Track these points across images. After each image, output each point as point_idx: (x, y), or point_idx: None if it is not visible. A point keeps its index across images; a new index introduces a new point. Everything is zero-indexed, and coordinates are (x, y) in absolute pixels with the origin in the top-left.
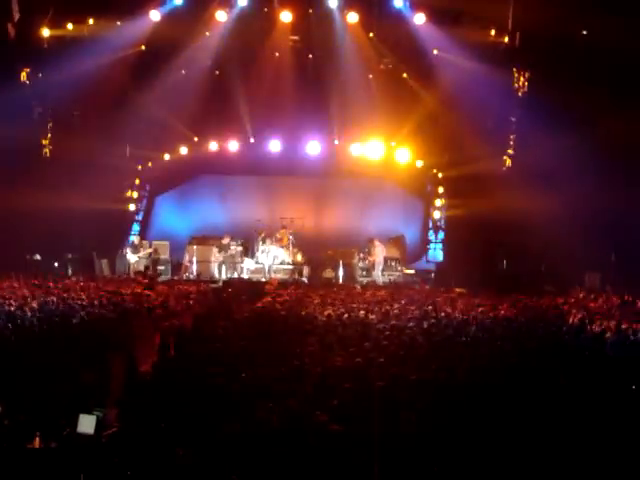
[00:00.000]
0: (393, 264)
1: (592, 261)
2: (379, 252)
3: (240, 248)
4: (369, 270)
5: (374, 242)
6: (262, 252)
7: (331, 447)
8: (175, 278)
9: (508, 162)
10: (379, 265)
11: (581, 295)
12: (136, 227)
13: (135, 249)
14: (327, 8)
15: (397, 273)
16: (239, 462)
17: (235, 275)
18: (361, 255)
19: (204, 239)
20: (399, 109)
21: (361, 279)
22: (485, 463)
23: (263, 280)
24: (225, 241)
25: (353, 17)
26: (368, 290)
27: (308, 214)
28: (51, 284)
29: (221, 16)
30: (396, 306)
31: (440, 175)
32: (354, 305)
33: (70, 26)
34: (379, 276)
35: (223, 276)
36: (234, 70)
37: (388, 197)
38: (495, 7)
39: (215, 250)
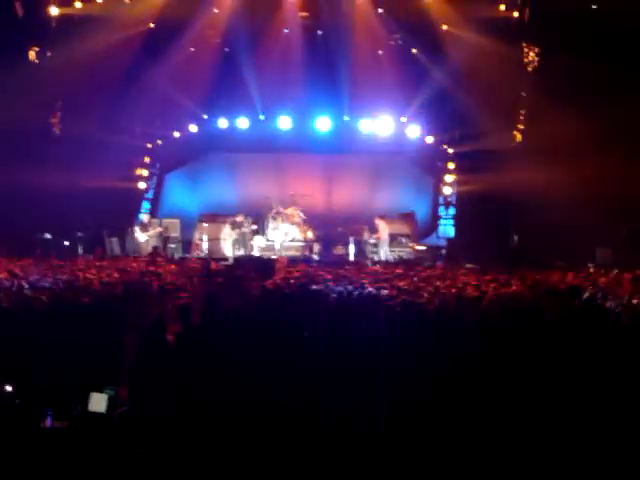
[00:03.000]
0: (404, 240)
1: (603, 236)
2: (382, 229)
3: (254, 227)
4: (379, 247)
5: (375, 220)
6: (272, 229)
7: (343, 427)
8: (186, 256)
9: (519, 137)
10: (384, 242)
11: (591, 270)
12: (146, 205)
13: (145, 228)
14: None
15: (407, 249)
16: (252, 441)
17: (246, 253)
18: (370, 232)
19: (214, 217)
20: (409, 85)
21: (371, 255)
22: (496, 439)
23: (274, 257)
24: (239, 219)
25: None
26: (378, 267)
27: (318, 191)
28: (62, 263)
29: None
30: (406, 282)
31: (450, 151)
32: (365, 281)
33: (79, 4)
34: (386, 253)
35: (234, 254)
36: (243, 47)
37: (398, 173)
38: None
39: (228, 228)
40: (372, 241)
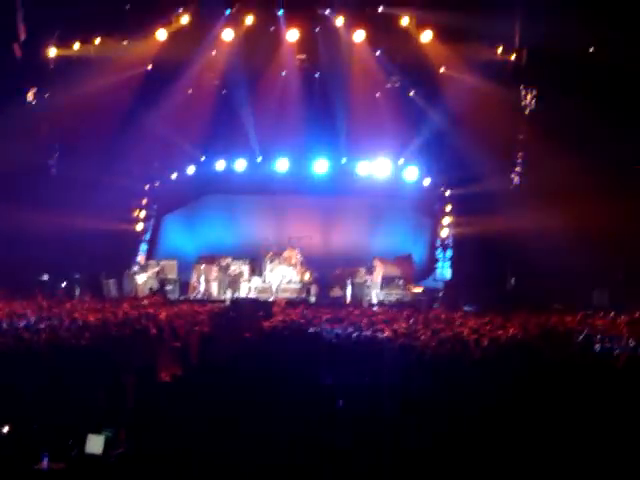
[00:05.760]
0: (400, 282)
1: (601, 278)
2: (378, 271)
3: (245, 267)
4: (371, 288)
5: (374, 261)
6: (270, 271)
7: (342, 469)
8: (181, 298)
9: (516, 180)
10: (376, 284)
11: (588, 313)
12: (144, 247)
13: (142, 269)
14: (333, 26)
15: (403, 292)
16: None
17: (240, 295)
18: (366, 273)
19: (212, 259)
20: (406, 127)
21: (368, 298)
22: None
23: (271, 299)
24: (225, 262)
25: (360, 35)
26: (376, 309)
27: (316, 233)
28: (59, 305)
29: (228, 35)
30: (404, 325)
31: (448, 193)
32: (362, 324)
33: (77, 46)
34: (379, 295)
35: (223, 296)
36: (241, 89)
37: (396, 215)
38: (502, 25)
39: (215, 269)
40: (368, 283)
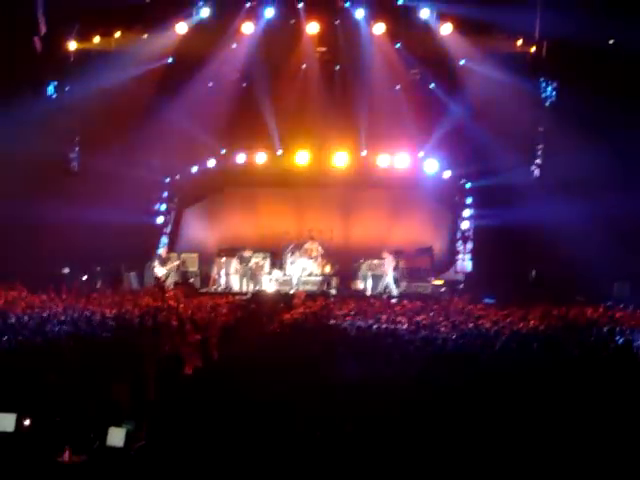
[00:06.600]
0: (417, 275)
1: (622, 270)
2: (388, 263)
3: (265, 260)
4: (397, 281)
5: (383, 254)
6: (291, 264)
7: (356, 458)
8: (202, 291)
9: (536, 172)
10: (386, 277)
11: (608, 304)
12: (164, 240)
13: (163, 262)
14: (354, 19)
15: (420, 284)
16: (265, 471)
17: (260, 287)
18: (378, 266)
19: (232, 251)
20: (427, 120)
21: (388, 290)
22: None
23: (291, 292)
24: (246, 254)
25: (380, 28)
26: (395, 301)
27: (336, 225)
28: (80, 298)
29: (248, 28)
30: (425, 317)
31: (468, 185)
32: (383, 316)
33: (97, 39)
34: (390, 286)
35: (244, 288)
36: (261, 82)
37: (416, 208)
38: (522, 17)
39: (236, 262)
40: (384, 275)
